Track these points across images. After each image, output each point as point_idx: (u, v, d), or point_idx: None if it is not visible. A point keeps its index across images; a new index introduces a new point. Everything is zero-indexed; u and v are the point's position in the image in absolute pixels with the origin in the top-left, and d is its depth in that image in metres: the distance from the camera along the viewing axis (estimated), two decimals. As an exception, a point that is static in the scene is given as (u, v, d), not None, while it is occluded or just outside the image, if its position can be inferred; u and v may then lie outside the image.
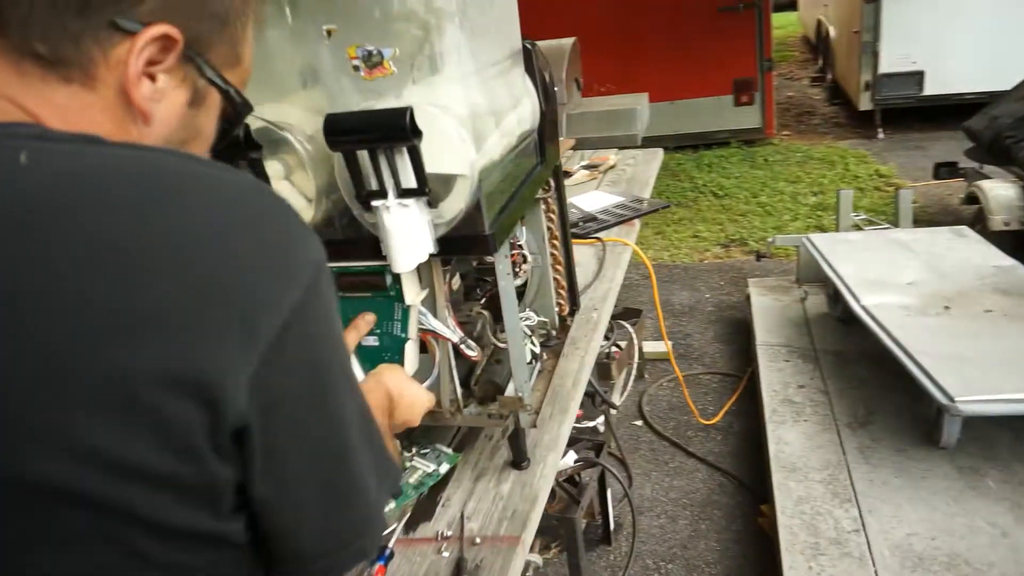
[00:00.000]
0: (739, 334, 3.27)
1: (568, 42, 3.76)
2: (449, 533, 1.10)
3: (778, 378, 2.55)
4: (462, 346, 1.08)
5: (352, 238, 1.00)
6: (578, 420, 2.59)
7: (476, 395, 1.18)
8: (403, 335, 1.08)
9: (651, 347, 3.05)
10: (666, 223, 4.81)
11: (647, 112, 3.64)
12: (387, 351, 1.10)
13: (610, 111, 3.51)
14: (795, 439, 2.22)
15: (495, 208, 1.00)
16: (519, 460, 1.21)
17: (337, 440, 0.59)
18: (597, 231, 2.19)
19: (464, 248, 0.98)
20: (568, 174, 2.86)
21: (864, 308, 2.32)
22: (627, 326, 2.60)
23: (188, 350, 0.47)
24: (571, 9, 6.05)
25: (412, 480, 1.20)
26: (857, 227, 3.20)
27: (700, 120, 6.22)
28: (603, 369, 2.41)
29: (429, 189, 0.89)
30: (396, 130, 0.82)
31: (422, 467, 1.23)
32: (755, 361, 2.72)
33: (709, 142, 6.35)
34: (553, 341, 1.40)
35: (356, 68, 0.88)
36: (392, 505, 1.16)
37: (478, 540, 1.08)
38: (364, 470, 0.62)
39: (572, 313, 1.49)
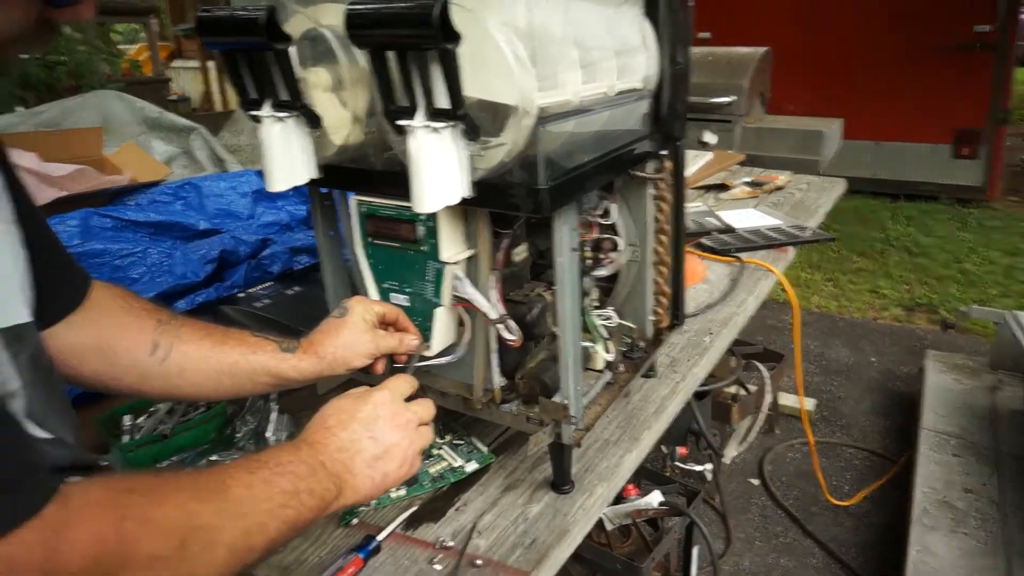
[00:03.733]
0: (902, 412, 2.76)
1: (758, 51, 3.44)
2: (451, 544, 0.91)
3: (940, 474, 2.09)
4: (500, 326, 0.89)
5: (391, 171, 0.84)
6: (682, 459, 2.29)
7: (520, 391, 0.99)
8: (435, 299, 0.91)
9: (789, 400, 2.66)
10: (842, 271, 4.27)
11: (838, 141, 3.23)
12: (417, 315, 0.93)
13: (794, 131, 3.14)
14: (946, 554, 1.78)
15: (560, 161, 0.80)
16: (560, 482, 1.00)
17: None
18: (739, 250, 1.90)
19: (511, 202, 0.79)
20: (726, 187, 2.56)
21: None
22: (761, 368, 2.25)
23: None
24: (777, 25, 5.61)
25: (433, 471, 1.03)
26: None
27: (908, 167, 5.52)
28: (721, 410, 2.10)
29: (465, 113, 0.72)
30: (422, 26, 0.65)
31: (448, 459, 1.06)
32: (915, 447, 2.26)
33: (913, 193, 5.62)
34: (638, 354, 1.16)
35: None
36: (402, 492, 0.99)
37: (479, 562, 0.88)
38: None
39: (672, 327, 1.24)
